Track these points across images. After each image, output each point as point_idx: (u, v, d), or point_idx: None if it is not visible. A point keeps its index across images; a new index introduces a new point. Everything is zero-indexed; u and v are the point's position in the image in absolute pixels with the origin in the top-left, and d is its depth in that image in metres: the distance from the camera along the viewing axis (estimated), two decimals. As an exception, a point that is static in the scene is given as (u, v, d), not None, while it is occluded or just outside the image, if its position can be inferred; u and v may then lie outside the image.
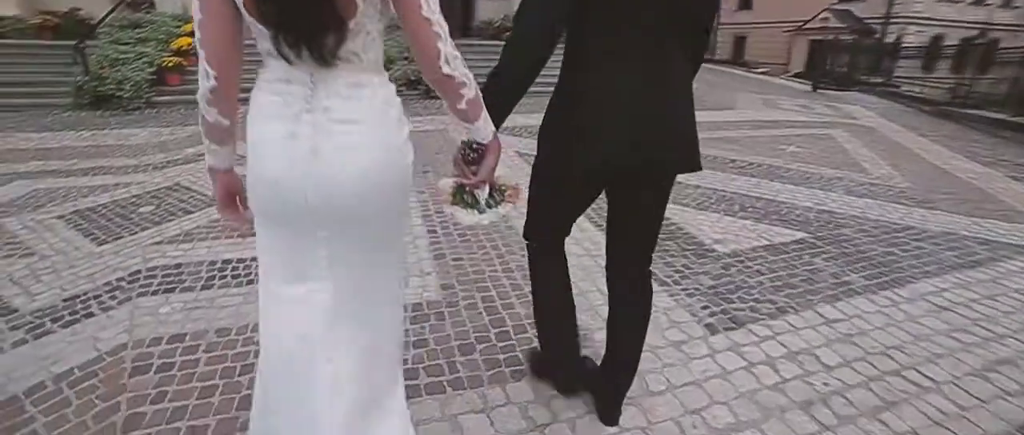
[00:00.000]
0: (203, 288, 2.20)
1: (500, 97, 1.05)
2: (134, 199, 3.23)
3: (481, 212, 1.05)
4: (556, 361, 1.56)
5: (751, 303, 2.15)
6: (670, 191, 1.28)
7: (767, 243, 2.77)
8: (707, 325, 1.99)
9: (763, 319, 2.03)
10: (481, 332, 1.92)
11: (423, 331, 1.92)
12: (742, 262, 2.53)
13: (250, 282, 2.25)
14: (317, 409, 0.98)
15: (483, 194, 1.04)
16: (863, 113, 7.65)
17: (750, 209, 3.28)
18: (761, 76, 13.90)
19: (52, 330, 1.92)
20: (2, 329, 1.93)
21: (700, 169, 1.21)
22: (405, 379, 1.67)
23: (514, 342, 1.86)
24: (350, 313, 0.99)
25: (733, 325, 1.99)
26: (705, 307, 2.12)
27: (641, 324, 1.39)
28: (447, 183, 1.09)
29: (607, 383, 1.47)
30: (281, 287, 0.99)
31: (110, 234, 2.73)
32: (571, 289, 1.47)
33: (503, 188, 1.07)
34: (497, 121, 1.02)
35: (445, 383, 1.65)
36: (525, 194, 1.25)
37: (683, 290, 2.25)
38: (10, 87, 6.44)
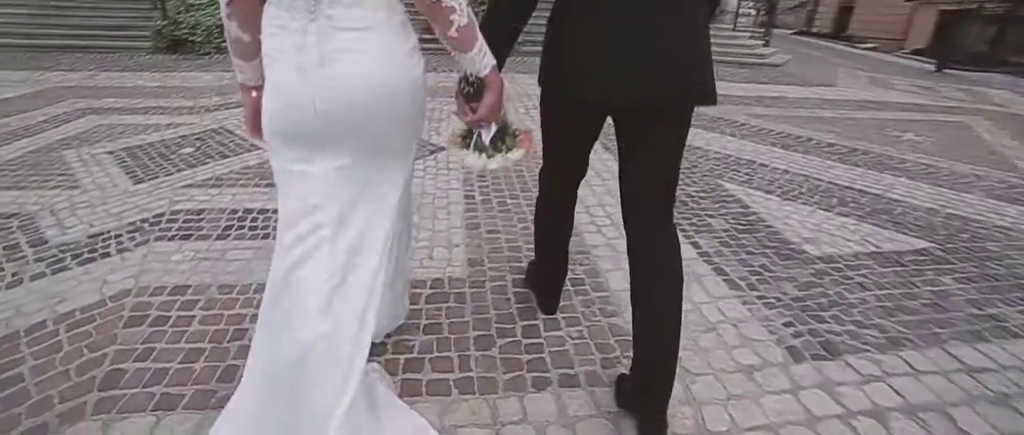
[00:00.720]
0: (218, 238, 2.06)
1: (491, 46, 0.98)
2: (180, 140, 3.20)
3: (489, 156, 1.01)
4: (542, 276, 1.62)
5: (850, 326, 1.69)
6: (683, 131, 1.12)
7: (874, 250, 2.22)
8: (790, 349, 1.57)
9: (868, 351, 1.57)
10: (505, 323, 1.62)
11: (438, 314, 1.65)
12: (840, 271, 2.03)
13: (265, 236, 2.08)
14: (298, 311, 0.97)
15: (487, 135, 0.99)
16: (1011, 99, 6.35)
17: (851, 204, 2.70)
18: (868, 52, 12.16)
19: (69, 267, 1.85)
20: (28, 259, 1.89)
21: (713, 103, 1.08)
22: (407, 371, 1.43)
23: (542, 341, 1.55)
24: (351, 238, 0.99)
25: (825, 353, 1.55)
26: (788, 324, 1.69)
27: (672, 293, 1.12)
28: (458, 125, 1.06)
29: (642, 389, 1.18)
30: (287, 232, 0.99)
31: (148, 173, 2.69)
32: (572, 220, 1.47)
33: (514, 132, 1.02)
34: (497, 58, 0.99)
35: (451, 383, 1.38)
36: (538, 139, 1.18)
37: (760, 298, 1.82)
38: (101, 30, 6.83)
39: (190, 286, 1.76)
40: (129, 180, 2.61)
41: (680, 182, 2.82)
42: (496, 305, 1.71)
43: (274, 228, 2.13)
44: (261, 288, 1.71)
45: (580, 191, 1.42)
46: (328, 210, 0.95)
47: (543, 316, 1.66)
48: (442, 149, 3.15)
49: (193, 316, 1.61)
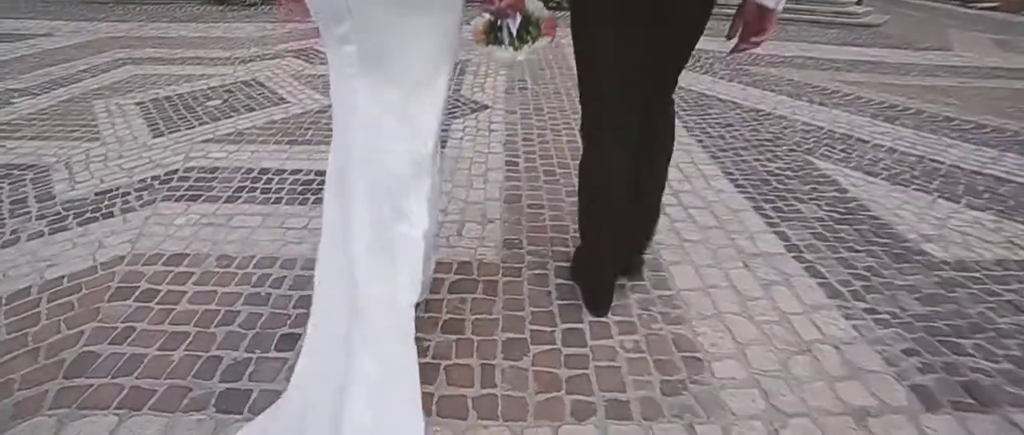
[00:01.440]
0: (227, 200, 1.86)
1: None
2: (209, 91, 3.03)
3: (516, 48, 1.02)
4: (594, 262, 1.37)
5: (1006, 363, 1.26)
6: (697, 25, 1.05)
7: (1024, 256, 1.72)
8: (917, 388, 1.17)
9: (1038, 402, 1.15)
10: (543, 325, 1.32)
11: (462, 307, 1.37)
12: (979, 282, 1.57)
13: (277, 200, 1.85)
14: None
15: (514, 25, 1.00)
16: None
17: (986, 195, 2.15)
18: (987, 12, 10.48)
19: (69, 226, 1.70)
20: (31, 216, 1.76)
21: None
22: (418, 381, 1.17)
23: (588, 351, 1.24)
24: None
25: (973, 401, 1.15)
26: (911, 351, 1.28)
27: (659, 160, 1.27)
28: (480, 21, 1.05)
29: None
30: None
31: (170, 125, 2.53)
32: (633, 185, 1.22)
33: (537, 20, 1.03)
34: None
35: (470, 402, 1.10)
36: (562, 28, 1.09)
37: (869, 312, 1.41)
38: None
39: (188, 255, 1.55)
40: (150, 133, 2.45)
41: (762, 157, 2.40)
42: (533, 300, 1.40)
43: (287, 192, 1.90)
44: (262, 263, 1.52)
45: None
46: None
47: (591, 318, 1.34)
48: (485, 107, 2.81)
49: (184, 292, 1.40)
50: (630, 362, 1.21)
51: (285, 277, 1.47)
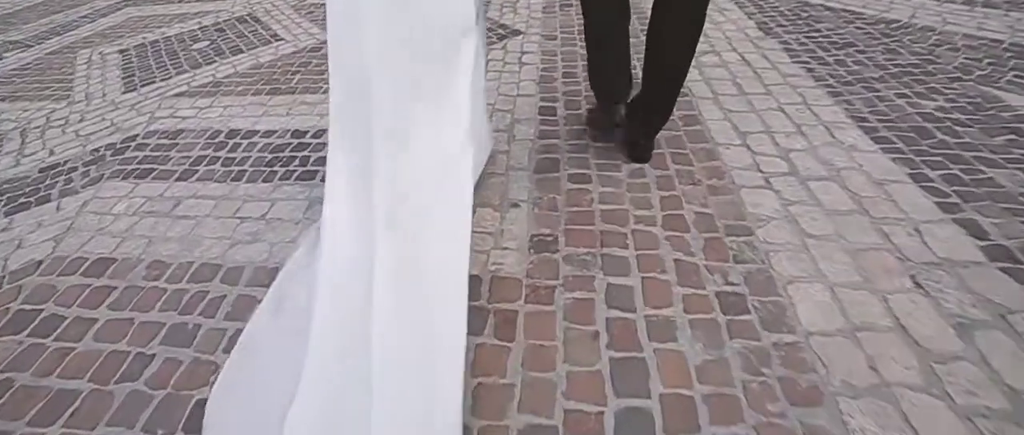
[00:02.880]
0: (180, 177, 1.46)
1: None
2: (198, 31, 2.60)
3: None
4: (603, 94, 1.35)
5: None
6: None
7: None
8: None
9: None
10: (581, 366, 0.84)
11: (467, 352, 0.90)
12: None
13: (236, 176, 1.43)
14: None
15: None
16: None
17: None
18: None
19: (-4, 216, 1.37)
20: (-35, 201, 1.45)
21: None
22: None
23: (655, 408, 0.75)
24: None
25: None
26: None
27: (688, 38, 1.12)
28: None
29: (637, 111, 1.28)
30: None
31: (146, 77, 2.14)
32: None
33: None
34: None
35: None
36: None
37: None
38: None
39: (115, 261, 1.18)
40: (122, 87, 2.08)
41: (909, 92, 1.64)
42: (572, 340, 0.91)
43: (252, 163, 1.48)
44: (201, 274, 1.08)
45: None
46: None
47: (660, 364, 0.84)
48: (516, 32, 2.19)
49: (94, 320, 1.04)
50: None
51: (224, 298, 1.06)
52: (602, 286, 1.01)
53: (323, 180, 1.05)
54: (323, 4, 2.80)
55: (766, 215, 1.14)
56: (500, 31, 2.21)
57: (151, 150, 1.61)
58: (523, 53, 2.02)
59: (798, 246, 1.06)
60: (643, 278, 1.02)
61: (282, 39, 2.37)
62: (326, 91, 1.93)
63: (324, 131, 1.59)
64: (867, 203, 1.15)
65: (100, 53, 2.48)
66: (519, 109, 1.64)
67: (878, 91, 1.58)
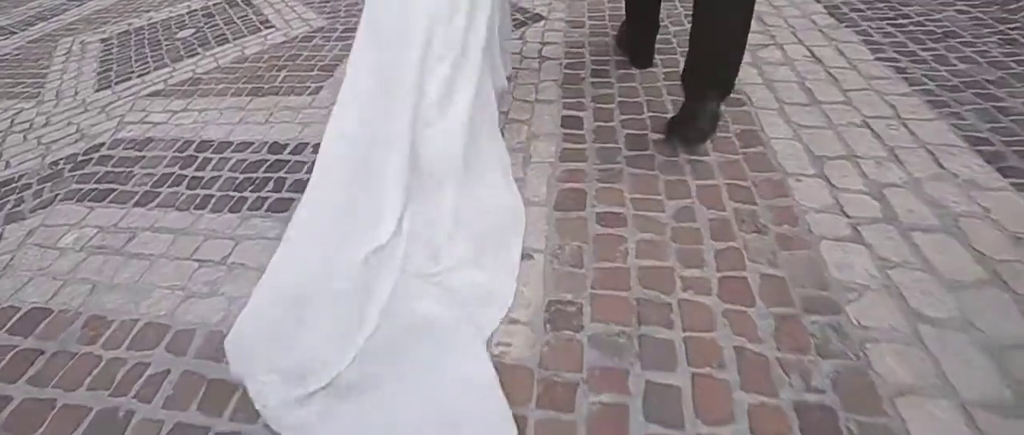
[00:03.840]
0: (139, 201, 1.25)
1: None
2: (184, 17, 2.37)
3: None
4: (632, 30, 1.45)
5: None
6: None
7: None
8: None
9: None
10: None
11: None
12: None
13: (202, 203, 1.21)
14: None
15: None
16: None
17: None
18: None
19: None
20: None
21: None
22: None
23: None
24: None
25: None
26: None
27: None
28: None
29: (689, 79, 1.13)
30: None
31: (123, 71, 1.94)
32: None
33: None
34: None
35: None
36: None
37: None
38: None
39: (50, 314, 0.99)
40: (96, 83, 1.88)
41: None
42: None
43: (220, 187, 1.27)
44: (141, 340, 0.87)
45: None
46: None
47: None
48: (538, 17, 1.89)
49: (6, 400, 0.85)
50: None
51: (166, 376, 0.85)
52: (639, 385, 0.76)
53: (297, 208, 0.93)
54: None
55: (857, 283, 0.86)
56: (518, 16, 1.91)
57: (114, 164, 1.40)
58: (543, 44, 1.73)
59: (908, 335, 0.79)
60: (693, 375, 0.77)
61: (273, 26, 2.12)
62: (311, 92, 1.70)
63: (305, 145, 1.35)
64: (1004, 270, 0.86)
65: (81, 42, 2.28)
66: (537, 120, 1.36)
67: (999, 100, 1.24)
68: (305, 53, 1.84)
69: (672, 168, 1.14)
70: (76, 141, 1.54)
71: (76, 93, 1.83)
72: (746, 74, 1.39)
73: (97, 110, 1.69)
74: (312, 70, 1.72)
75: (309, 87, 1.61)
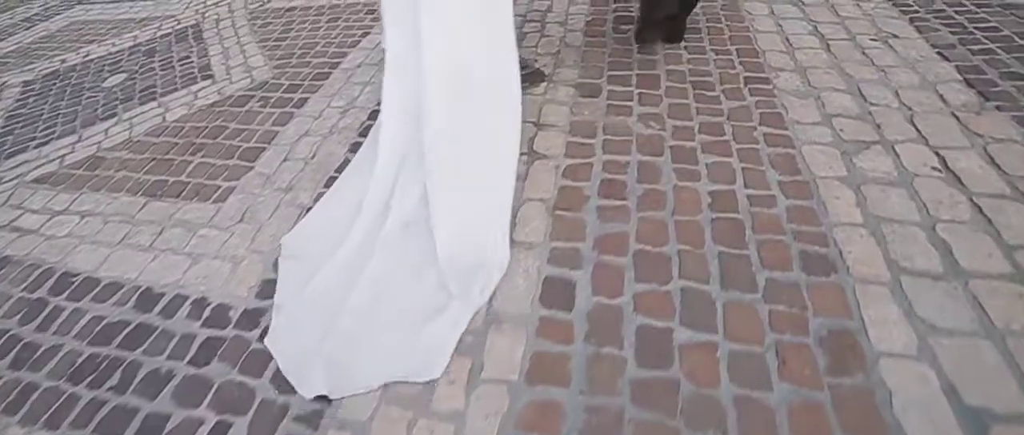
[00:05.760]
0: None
1: None
2: (122, 56, 2.01)
3: None
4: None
5: None
6: None
7: None
8: None
9: None
10: None
11: None
12: None
13: (10, 408, 0.84)
14: None
15: None
16: None
17: None
18: None
19: None
20: None
21: None
22: None
23: None
24: None
25: None
26: None
27: None
28: None
29: None
30: None
31: (22, 137, 1.61)
32: None
33: None
34: None
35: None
36: None
37: None
38: None
39: None
40: (-14, 158, 1.54)
41: None
42: None
43: (50, 372, 0.90)
44: None
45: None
46: None
47: None
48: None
49: None
50: None
51: None
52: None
53: None
54: (277, 18, 2.12)
55: None
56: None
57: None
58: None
59: None
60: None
61: (211, 76, 1.73)
62: (217, 199, 1.27)
63: (182, 300, 0.97)
64: None
65: (2, 83, 1.95)
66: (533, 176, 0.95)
67: None
68: (233, 124, 1.45)
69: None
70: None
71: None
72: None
73: (-34, 206, 1.35)
74: (232, 155, 1.33)
75: (218, 187, 1.22)
